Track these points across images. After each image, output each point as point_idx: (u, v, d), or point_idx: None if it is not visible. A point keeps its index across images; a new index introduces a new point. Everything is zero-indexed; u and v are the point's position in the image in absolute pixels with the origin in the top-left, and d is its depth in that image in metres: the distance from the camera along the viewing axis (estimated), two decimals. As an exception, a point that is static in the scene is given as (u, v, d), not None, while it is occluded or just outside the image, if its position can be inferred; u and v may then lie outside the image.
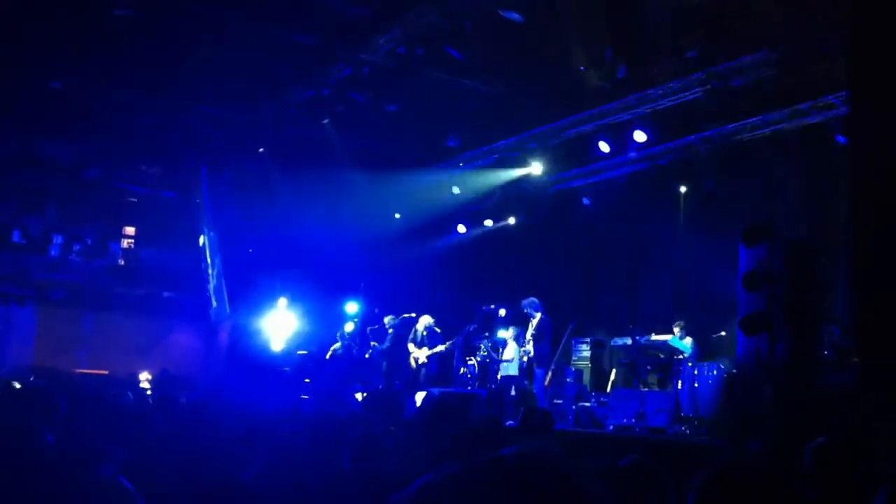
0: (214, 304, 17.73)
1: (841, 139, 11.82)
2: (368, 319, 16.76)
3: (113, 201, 18.70)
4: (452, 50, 11.35)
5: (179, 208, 18.68)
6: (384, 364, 14.93)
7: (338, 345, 16.07)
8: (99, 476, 1.50)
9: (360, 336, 16.65)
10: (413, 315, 14.88)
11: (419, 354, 14.45)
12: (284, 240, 17.92)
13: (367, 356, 15.55)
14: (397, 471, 4.17)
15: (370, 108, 13.82)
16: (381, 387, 14.53)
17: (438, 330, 14.66)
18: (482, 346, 14.39)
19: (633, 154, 14.70)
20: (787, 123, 12.67)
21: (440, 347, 14.40)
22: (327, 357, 16.07)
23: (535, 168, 15.74)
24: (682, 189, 14.74)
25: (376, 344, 15.20)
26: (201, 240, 18.07)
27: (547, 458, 1.08)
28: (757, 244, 9.60)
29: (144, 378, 15.67)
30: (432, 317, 14.78)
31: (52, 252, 18.21)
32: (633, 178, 15.26)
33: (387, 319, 15.24)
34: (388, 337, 15.05)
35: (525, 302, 13.88)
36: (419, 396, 12.14)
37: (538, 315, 13.55)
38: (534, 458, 1.08)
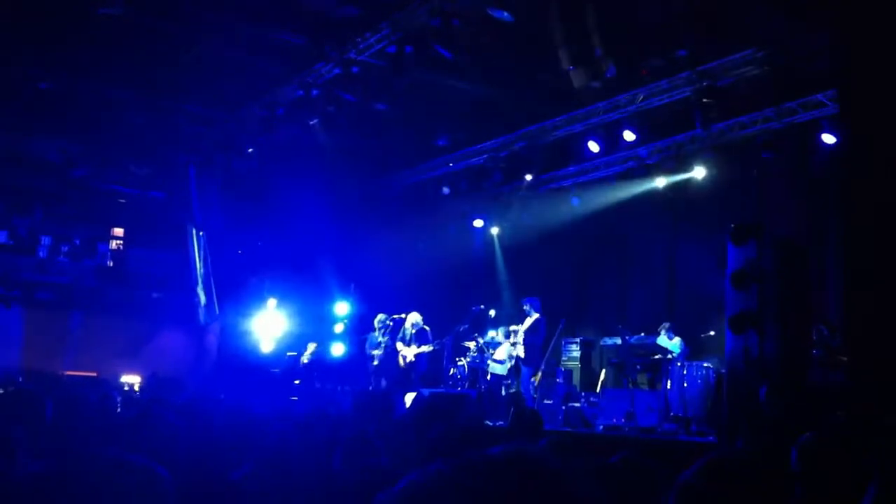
0: (203, 300, 17.64)
1: (829, 137, 11.87)
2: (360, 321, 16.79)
3: (101, 202, 18.60)
4: (442, 49, 11.34)
5: (168, 209, 18.61)
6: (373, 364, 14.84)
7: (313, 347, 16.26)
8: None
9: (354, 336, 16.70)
10: (403, 316, 14.84)
11: (407, 353, 14.37)
12: (273, 240, 17.89)
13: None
14: (387, 471, 4.16)
15: (359, 107, 13.80)
16: (370, 387, 14.50)
17: (427, 328, 14.60)
18: (472, 347, 14.37)
19: (622, 153, 14.74)
20: (775, 122, 12.71)
21: (425, 348, 14.32)
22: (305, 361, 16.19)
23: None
24: (671, 188, 14.76)
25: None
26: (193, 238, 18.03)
27: (534, 456, 1.07)
28: (745, 243, 9.64)
29: (133, 381, 15.61)
30: (421, 315, 14.71)
31: (40, 253, 18.12)
32: (623, 177, 15.27)
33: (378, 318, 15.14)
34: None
35: (525, 300, 13.87)
36: (409, 397, 12.13)
37: (535, 315, 13.55)
38: (521, 457, 1.07)
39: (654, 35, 11.62)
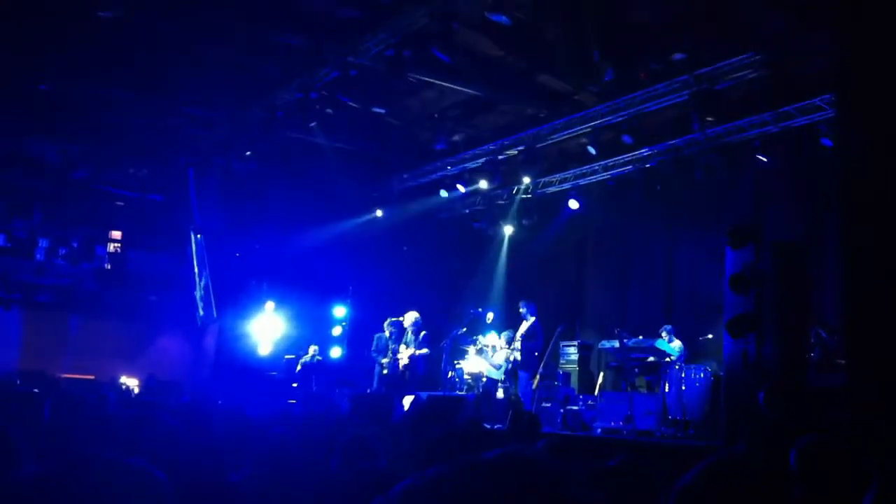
0: (201, 312, 17.66)
1: (827, 142, 11.87)
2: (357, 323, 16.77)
3: (99, 205, 18.60)
4: (440, 52, 11.34)
5: (167, 211, 18.61)
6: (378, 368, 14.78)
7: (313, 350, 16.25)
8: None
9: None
10: (402, 318, 14.81)
11: (402, 355, 14.33)
12: (272, 243, 17.87)
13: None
14: (385, 474, 4.16)
15: (358, 110, 13.79)
16: (369, 390, 14.49)
17: (423, 331, 14.56)
18: (470, 350, 14.36)
19: (620, 156, 14.73)
20: (773, 126, 12.71)
21: (423, 350, 14.29)
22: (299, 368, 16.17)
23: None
24: (669, 192, 14.75)
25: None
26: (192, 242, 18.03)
27: (532, 459, 1.07)
28: (743, 246, 9.64)
29: (131, 383, 15.59)
30: (418, 313, 14.65)
31: (38, 256, 18.12)
32: (621, 180, 15.27)
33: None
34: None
35: (522, 302, 13.86)
36: (407, 400, 12.11)
37: (532, 319, 13.55)
38: (518, 459, 1.07)
39: (651, 39, 11.62)
